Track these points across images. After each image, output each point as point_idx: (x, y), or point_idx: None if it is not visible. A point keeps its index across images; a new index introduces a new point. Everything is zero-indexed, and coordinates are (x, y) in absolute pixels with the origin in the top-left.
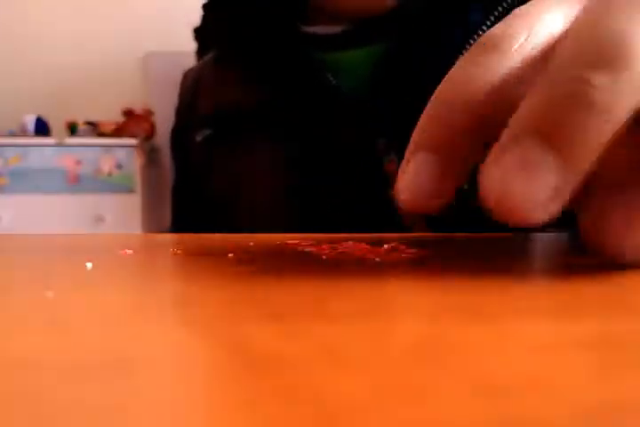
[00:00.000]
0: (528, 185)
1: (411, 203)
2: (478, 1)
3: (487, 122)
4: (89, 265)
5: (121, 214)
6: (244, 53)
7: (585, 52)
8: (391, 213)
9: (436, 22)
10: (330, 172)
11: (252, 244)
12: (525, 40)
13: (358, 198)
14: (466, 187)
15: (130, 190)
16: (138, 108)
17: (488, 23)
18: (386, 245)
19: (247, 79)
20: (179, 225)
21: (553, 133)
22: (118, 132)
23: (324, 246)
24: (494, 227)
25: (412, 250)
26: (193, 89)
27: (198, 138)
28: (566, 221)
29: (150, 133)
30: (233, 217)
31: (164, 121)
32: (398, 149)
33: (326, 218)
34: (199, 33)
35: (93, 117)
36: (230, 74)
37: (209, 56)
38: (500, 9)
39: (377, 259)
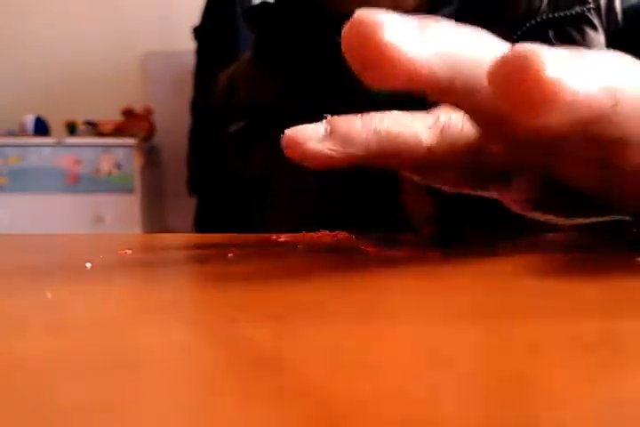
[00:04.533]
0: None
1: None
2: (497, 22)
3: None
4: (88, 265)
5: (120, 214)
6: (279, 56)
7: None
8: (401, 214)
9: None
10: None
11: (251, 244)
12: None
13: (371, 198)
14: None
15: (129, 190)
16: (137, 107)
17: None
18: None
19: (281, 79)
20: (206, 209)
21: None
22: (118, 131)
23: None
24: (506, 227)
25: (413, 249)
26: (228, 87)
27: (232, 128)
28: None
29: (150, 133)
30: (267, 201)
31: (164, 121)
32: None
33: (346, 212)
34: (199, 33)
35: (93, 117)
36: (265, 73)
37: (244, 58)
38: (524, 28)
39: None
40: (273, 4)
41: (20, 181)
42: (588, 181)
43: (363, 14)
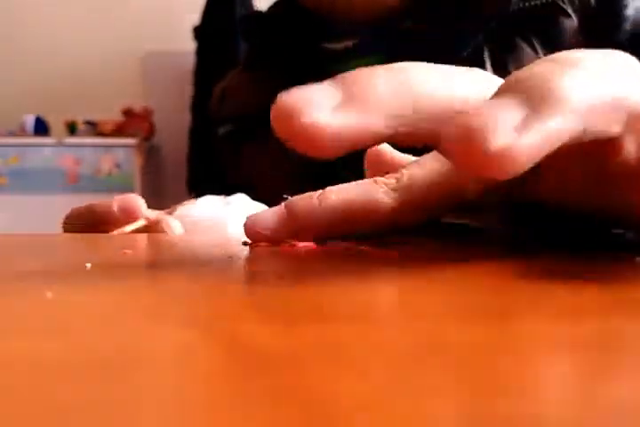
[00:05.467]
0: (490, 118)
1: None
2: (468, 16)
3: None
4: (88, 265)
5: None
6: (270, 63)
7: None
8: None
9: (427, 42)
10: (334, 164)
11: (251, 244)
12: None
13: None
14: None
15: (129, 190)
16: (137, 107)
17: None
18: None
19: (270, 84)
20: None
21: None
22: (118, 131)
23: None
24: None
25: (412, 249)
26: (221, 95)
27: (221, 131)
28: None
29: (150, 133)
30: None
31: (164, 121)
32: (398, 146)
33: None
34: (199, 33)
35: (93, 117)
36: (255, 78)
37: (237, 69)
38: (496, 22)
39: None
40: (265, 13)
41: (20, 181)
42: (588, 198)
43: (283, 99)
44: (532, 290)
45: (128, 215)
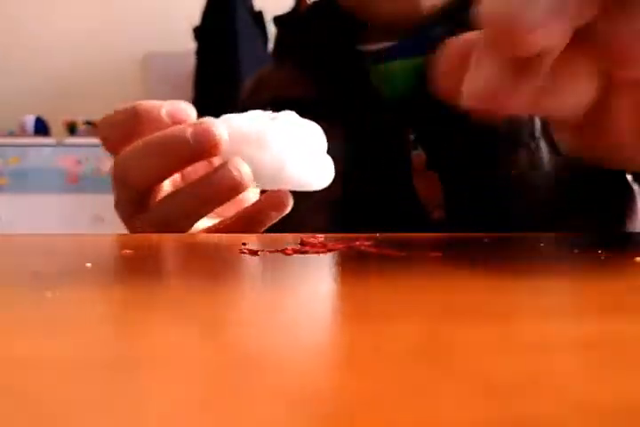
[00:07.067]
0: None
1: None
2: None
3: None
4: (88, 265)
5: None
6: (305, 59)
7: None
8: (413, 202)
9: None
10: (364, 160)
11: (251, 244)
12: None
13: (385, 186)
14: None
15: None
16: None
17: None
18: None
19: (305, 79)
20: None
21: None
22: None
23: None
24: (509, 213)
25: (413, 249)
26: (254, 86)
27: None
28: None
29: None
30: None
31: None
32: (426, 145)
33: (360, 205)
34: (199, 33)
35: (93, 117)
36: (289, 73)
37: (269, 65)
38: None
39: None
40: (303, 13)
41: (20, 181)
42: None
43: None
44: (533, 290)
45: (177, 122)
